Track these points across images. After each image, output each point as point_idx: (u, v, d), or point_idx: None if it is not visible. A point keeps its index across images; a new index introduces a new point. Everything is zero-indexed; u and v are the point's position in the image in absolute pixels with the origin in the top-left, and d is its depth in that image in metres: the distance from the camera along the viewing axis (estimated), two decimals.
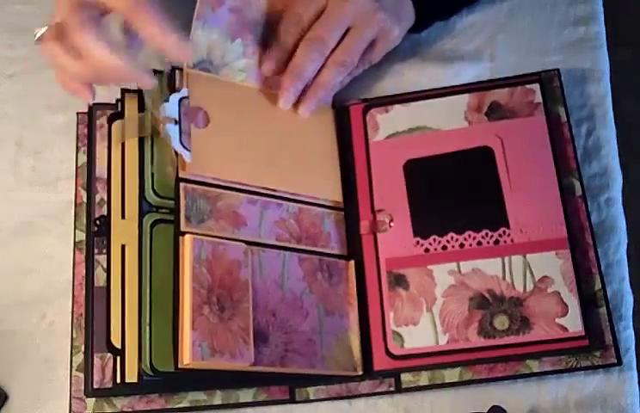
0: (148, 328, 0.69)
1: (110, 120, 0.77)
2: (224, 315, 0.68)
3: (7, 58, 0.87)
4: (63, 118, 0.83)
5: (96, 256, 0.74)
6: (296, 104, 0.79)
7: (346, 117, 0.82)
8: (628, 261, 0.77)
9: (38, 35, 0.66)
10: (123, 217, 0.73)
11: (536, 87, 0.80)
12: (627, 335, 0.74)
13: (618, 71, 0.87)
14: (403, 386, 0.73)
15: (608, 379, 0.73)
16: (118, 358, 0.70)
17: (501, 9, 0.86)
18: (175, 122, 0.73)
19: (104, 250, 0.74)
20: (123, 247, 0.72)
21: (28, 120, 0.84)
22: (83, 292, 0.74)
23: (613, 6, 0.93)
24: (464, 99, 0.80)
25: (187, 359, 0.66)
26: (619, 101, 0.84)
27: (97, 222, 0.75)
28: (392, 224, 0.77)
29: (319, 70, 0.78)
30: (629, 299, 0.76)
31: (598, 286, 0.74)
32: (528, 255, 0.74)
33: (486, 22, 0.86)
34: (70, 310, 0.74)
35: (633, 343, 0.74)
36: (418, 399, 0.73)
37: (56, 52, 0.67)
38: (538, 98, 0.79)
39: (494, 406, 0.68)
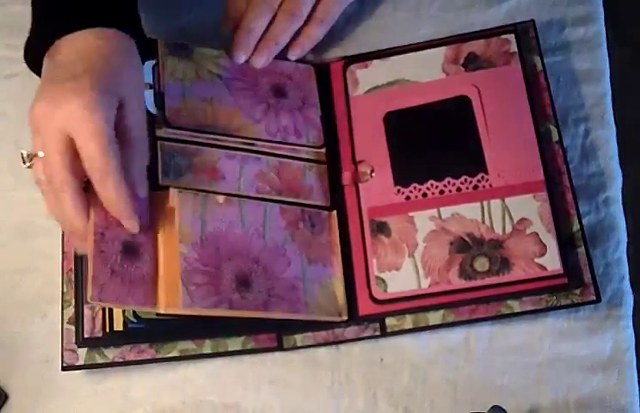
0: None
1: None
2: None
3: (6, 58, 0.86)
4: None
5: None
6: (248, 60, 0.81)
7: (326, 74, 0.83)
8: (628, 260, 0.77)
9: (27, 164, 0.68)
10: None
11: (511, 37, 0.81)
12: (627, 334, 0.74)
13: (618, 71, 0.87)
14: (388, 330, 0.74)
15: (608, 378, 0.73)
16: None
17: (499, 10, 0.86)
18: (150, 86, 0.76)
19: None
20: None
21: (28, 120, 0.84)
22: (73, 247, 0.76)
23: (613, 6, 0.93)
24: (442, 51, 0.82)
25: (162, 307, 0.69)
26: (619, 101, 0.84)
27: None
28: (374, 174, 0.78)
29: (270, 24, 0.80)
30: (629, 299, 0.76)
31: (576, 226, 0.75)
32: (507, 199, 0.75)
33: (485, 23, 0.85)
34: (61, 265, 0.76)
35: (633, 343, 0.74)
36: (418, 399, 0.73)
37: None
38: (514, 48, 0.80)
39: (494, 406, 0.67)
